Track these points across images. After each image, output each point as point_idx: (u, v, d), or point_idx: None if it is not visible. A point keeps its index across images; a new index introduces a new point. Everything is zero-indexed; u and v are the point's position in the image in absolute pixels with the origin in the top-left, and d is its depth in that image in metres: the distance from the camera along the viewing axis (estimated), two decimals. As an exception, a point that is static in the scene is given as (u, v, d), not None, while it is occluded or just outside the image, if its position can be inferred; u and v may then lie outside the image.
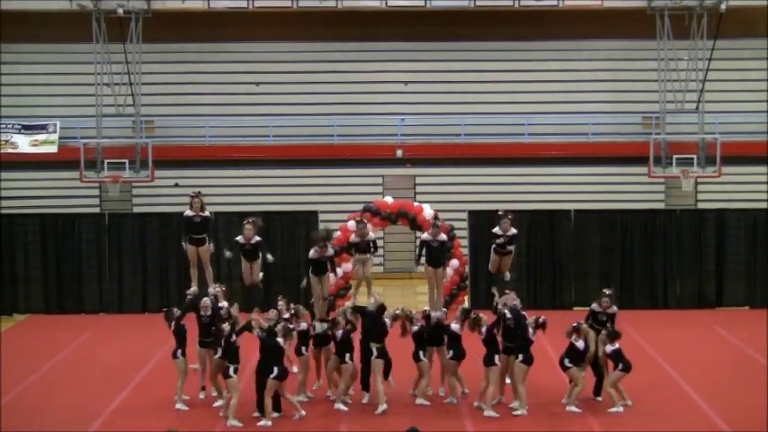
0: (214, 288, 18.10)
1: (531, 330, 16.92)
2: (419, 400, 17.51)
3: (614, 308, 17.72)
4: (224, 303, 17.65)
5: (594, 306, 17.74)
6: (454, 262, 23.85)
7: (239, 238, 18.16)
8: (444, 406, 17.35)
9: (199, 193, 18.39)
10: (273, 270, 26.06)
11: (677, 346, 21.46)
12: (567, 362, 17.13)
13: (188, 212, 18.30)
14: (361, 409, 17.21)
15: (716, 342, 22.34)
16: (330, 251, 18.08)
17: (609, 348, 17.10)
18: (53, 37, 32.24)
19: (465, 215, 26.81)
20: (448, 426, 16.30)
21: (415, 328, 17.54)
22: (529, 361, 16.83)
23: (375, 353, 17.32)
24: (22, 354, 21.45)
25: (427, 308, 18.14)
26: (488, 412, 16.71)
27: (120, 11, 29.98)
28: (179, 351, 17.43)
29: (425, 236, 18.64)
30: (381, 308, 17.58)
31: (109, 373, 19.52)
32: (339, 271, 24.32)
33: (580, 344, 17.12)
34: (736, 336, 22.64)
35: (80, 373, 19.99)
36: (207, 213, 18.32)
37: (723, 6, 29.25)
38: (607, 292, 17.81)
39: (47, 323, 25.20)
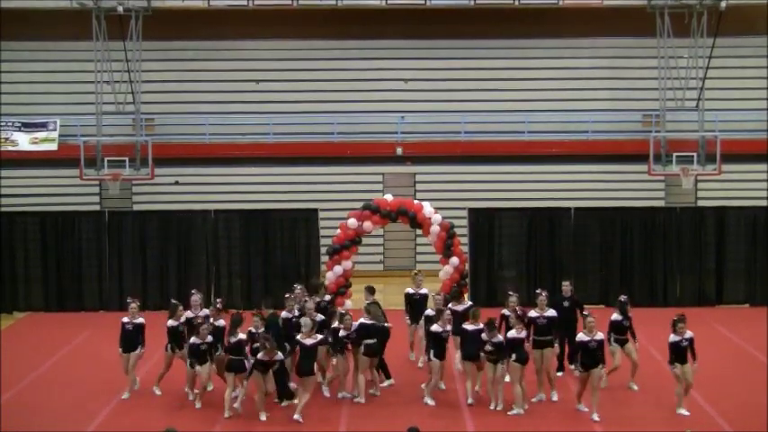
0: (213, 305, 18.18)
1: (514, 330, 16.99)
2: (427, 399, 17.48)
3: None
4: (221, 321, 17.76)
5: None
6: (454, 260, 23.82)
7: (194, 339, 17.19)
8: (445, 405, 17.32)
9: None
10: (273, 269, 26.20)
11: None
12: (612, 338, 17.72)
13: (189, 314, 18.18)
14: (360, 409, 17.21)
15: (716, 340, 22.32)
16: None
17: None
18: (53, 35, 32.27)
19: (465, 213, 26.83)
20: (448, 426, 16.30)
21: (438, 328, 17.36)
22: (522, 360, 16.83)
23: (362, 349, 17.53)
24: (22, 352, 21.47)
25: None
26: (428, 399, 17.28)
27: (120, 9, 30.01)
28: (169, 346, 17.85)
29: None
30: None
31: (109, 371, 19.49)
32: (339, 268, 24.33)
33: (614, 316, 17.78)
34: (736, 334, 22.65)
35: (80, 371, 19.99)
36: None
37: (723, 4, 29.27)
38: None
39: (47, 321, 25.20)
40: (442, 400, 17.58)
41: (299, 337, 16.88)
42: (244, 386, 16.91)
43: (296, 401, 16.85)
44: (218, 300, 18.25)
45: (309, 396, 16.73)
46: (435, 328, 17.32)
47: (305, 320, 17.18)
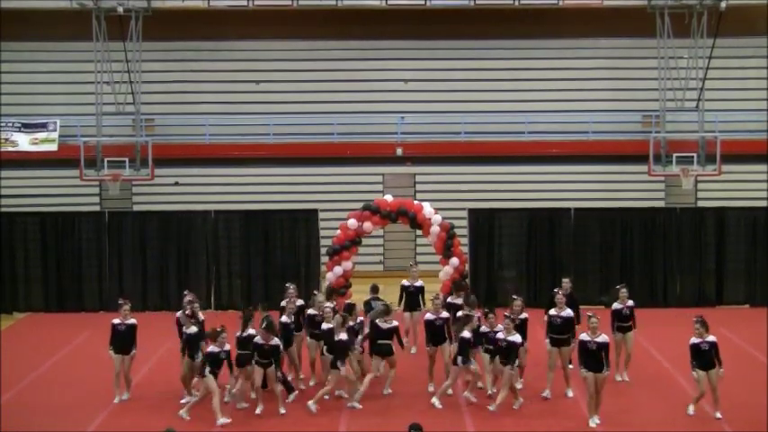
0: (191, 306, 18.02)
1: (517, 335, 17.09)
2: (435, 400, 17.37)
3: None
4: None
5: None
6: (454, 260, 23.84)
7: (213, 348, 16.63)
8: (445, 406, 17.30)
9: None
10: (273, 269, 26.20)
11: (677, 345, 21.37)
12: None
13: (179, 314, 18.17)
14: (360, 409, 17.21)
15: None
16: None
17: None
18: (53, 35, 32.26)
19: (465, 213, 26.83)
20: (448, 425, 16.29)
21: (467, 334, 17.03)
22: (520, 365, 17.13)
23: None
24: (23, 352, 21.47)
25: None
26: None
27: (120, 9, 30.00)
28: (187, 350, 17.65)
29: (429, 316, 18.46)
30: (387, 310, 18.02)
31: (108, 371, 19.46)
32: (339, 269, 24.36)
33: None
34: (736, 334, 22.62)
35: (80, 371, 19.98)
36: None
37: (723, 5, 29.25)
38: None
39: (47, 321, 25.20)
40: (442, 400, 17.56)
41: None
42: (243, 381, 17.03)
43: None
44: (187, 307, 17.94)
45: (331, 388, 17.21)
46: (466, 334, 16.97)
47: (337, 318, 17.38)
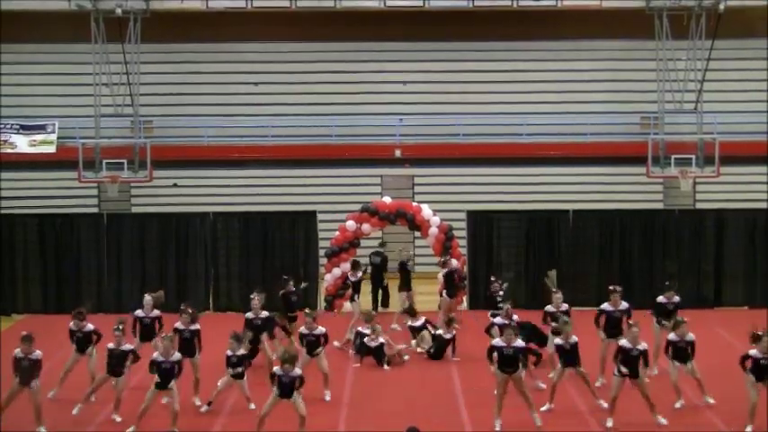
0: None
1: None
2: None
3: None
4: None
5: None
6: (453, 262, 23.85)
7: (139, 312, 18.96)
8: (444, 406, 17.33)
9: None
10: (272, 271, 26.18)
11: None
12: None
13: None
14: (360, 408, 17.21)
15: (715, 342, 22.32)
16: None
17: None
18: (52, 37, 32.28)
19: (463, 215, 26.82)
20: (448, 426, 16.29)
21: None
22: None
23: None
24: (21, 354, 21.38)
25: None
26: None
27: (119, 11, 30.04)
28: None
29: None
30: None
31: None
32: (338, 271, 24.39)
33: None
34: (735, 336, 22.62)
35: (79, 372, 19.93)
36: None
37: (722, 6, 29.30)
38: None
39: (45, 323, 25.10)
40: (442, 400, 17.58)
41: None
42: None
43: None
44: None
45: None
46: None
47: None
